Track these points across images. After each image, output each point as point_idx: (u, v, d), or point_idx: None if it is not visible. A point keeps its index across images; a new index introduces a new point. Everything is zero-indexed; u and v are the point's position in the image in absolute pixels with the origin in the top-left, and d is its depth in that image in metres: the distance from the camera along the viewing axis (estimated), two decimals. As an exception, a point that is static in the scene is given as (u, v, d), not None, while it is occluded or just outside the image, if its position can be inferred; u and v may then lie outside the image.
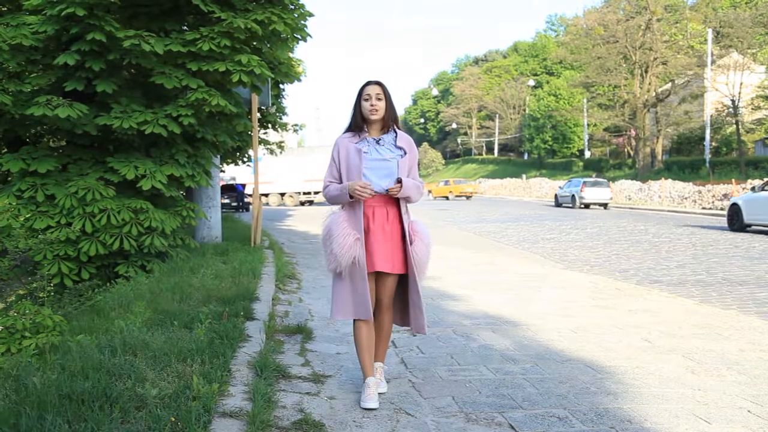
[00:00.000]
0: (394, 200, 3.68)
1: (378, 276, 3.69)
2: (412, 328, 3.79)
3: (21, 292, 8.06)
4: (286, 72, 10.15)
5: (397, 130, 3.73)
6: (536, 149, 75.68)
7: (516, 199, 45.88)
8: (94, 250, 7.68)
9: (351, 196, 3.56)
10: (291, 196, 41.61)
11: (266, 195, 40.81)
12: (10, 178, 8.39)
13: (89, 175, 8.07)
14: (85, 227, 7.70)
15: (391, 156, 3.64)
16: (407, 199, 3.67)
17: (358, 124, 3.68)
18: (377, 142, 3.68)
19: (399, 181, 3.59)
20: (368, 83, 3.71)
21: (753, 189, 16.22)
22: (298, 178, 40.56)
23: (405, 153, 3.67)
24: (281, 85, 17.40)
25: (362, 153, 3.62)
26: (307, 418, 3.34)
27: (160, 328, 4.55)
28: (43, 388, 3.13)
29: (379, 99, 3.65)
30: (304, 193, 41.57)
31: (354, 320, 3.72)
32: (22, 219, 7.64)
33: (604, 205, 30.38)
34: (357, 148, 3.64)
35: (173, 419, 2.89)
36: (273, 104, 17.45)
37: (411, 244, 3.65)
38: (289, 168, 39.92)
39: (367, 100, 3.66)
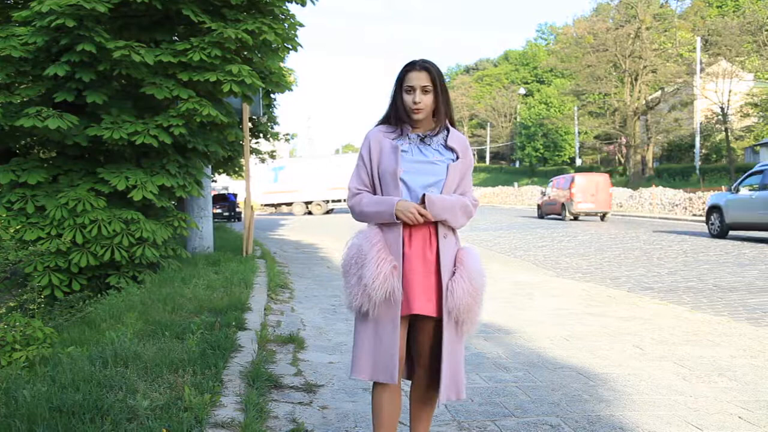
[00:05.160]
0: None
1: (415, 322, 2.67)
2: (441, 393, 2.61)
3: (11, 304, 8.01)
4: (277, 81, 10.17)
5: (450, 127, 2.75)
6: (528, 157, 75.93)
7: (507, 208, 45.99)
8: (84, 262, 7.65)
9: (396, 217, 2.58)
10: (318, 205, 37.45)
11: (289, 204, 38.14)
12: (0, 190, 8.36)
13: (80, 186, 8.04)
14: (75, 238, 7.67)
15: (438, 158, 2.67)
16: (446, 223, 2.65)
17: (400, 117, 2.69)
18: (421, 139, 2.69)
19: (423, 200, 2.58)
20: (411, 68, 2.66)
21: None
22: (326, 185, 36.37)
23: (458, 157, 2.70)
24: (272, 95, 17.43)
25: (400, 151, 2.65)
26: (299, 428, 3.33)
27: (152, 339, 4.53)
28: (33, 401, 3.11)
29: (426, 92, 2.63)
30: (333, 201, 37.28)
31: (374, 382, 2.68)
32: (12, 231, 7.61)
33: None
34: (394, 144, 2.66)
35: (165, 430, 2.88)
36: (264, 114, 17.47)
37: (452, 277, 2.62)
38: (316, 175, 36.64)
39: (409, 92, 2.64)
